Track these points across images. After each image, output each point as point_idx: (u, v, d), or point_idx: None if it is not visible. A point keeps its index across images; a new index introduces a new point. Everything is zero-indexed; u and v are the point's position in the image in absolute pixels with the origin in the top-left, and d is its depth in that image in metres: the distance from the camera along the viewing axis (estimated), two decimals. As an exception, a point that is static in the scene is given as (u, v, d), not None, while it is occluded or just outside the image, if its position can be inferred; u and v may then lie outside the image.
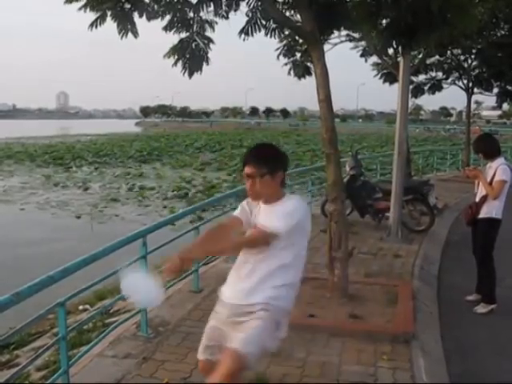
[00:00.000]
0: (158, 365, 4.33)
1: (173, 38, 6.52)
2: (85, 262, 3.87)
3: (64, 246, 13.06)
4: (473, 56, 16.45)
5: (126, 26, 6.18)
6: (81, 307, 8.22)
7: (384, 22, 7.88)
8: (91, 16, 6.07)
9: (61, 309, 3.63)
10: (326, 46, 8.97)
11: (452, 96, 30.13)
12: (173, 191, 23.17)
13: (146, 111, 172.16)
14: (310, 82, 8.35)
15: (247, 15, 6.73)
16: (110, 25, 6.12)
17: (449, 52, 15.62)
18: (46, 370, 5.51)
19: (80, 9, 5.93)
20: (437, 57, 15.66)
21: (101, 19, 6.12)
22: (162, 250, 5.30)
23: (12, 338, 5.81)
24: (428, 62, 15.37)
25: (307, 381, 4.10)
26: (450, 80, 17.81)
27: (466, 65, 16.97)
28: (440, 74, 17.44)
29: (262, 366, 4.30)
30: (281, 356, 4.50)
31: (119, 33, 6.21)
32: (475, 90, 17.98)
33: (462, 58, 16.70)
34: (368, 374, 4.27)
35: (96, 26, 6.19)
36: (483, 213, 6.10)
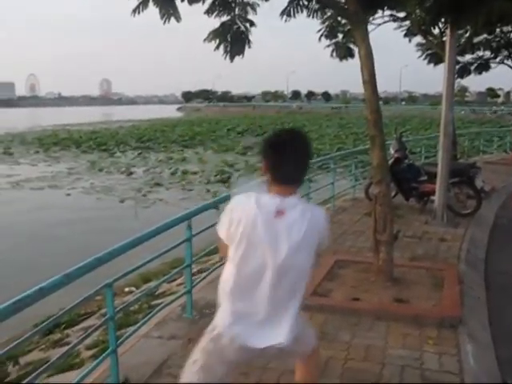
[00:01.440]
0: (204, 346, 4.37)
1: (214, 21, 6.52)
2: (130, 244, 3.92)
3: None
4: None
5: (168, 10, 6.20)
6: (126, 289, 8.40)
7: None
8: (133, 2, 6.12)
9: (108, 290, 3.69)
10: (370, 27, 8.81)
11: (499, 76, 29.24)
12: (215, 175, 23.32)
13: (187, 96, 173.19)
14: (353, 64, 8.25)
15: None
16: (152, 10, 6.15)
17: (498, 29, 15.11)
18: (95, 348, 5.66)
19: (122, -6, 5.97)
20: (484, 35, 15.18)
21: (143, 5, 6.15)
22: (206, 233, 5.34)
23: (62, 318, 5.97)
24: (475, 40, 14.93)
25: (352, 364, 4.08)
26: (498, 59, 17.28)
27: (516, 42, 16.42)
28: (488, 53, 16.92)
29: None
30: (326, 339, 4.50)
31: (161, 18, 6.23)
32: (525, 69, 17.41)
33: (512, 35, 16.15)
34: (413, 358, 4.22)
35: (138, 12, 6.23)
36: (532, 196, 5.94)
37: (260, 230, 2.39)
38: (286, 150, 2.43)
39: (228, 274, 2.53)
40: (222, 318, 2.54)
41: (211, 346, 2.56)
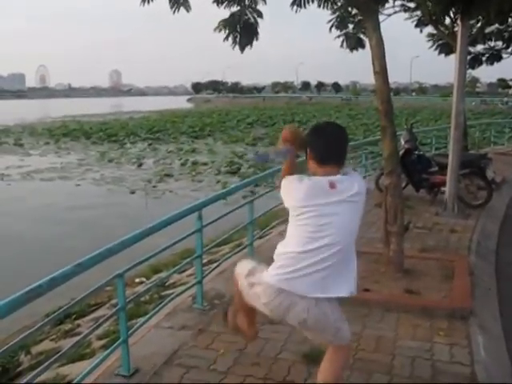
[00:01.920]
0: (214, 336, 4.39)
1: (224, 12, 6.48)
2: (141, 235, 3.92)
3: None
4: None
5: (178, 0, 6.18)
6: (137, 280, 8.44)
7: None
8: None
9: (119, 280, 3.71)
10: (380, 17, 8.73)
11: (511, 67, 29.01)
12: (225, 166, 23.34)
13: (197, 87, 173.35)
14: (363, 55, 8.19)
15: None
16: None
17: (510, 19, 14.93)
18: (105, 339, 5.70)
19: (133, -16, 5.96)
20: (496, 25, 15.00)
21: (153, -6, 6.13)
22: (216, 224, 5.35)
23: (73, 309, 6.01)
24: (486, 30, 14.76)
25: (363, 354, 4.08)
26: (510, 49, 17.08)
27: (528, 32, 16.21)
28: (499, 44, 16.73)
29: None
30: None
31: (171, 7, 6.21)
32: (538, 59, 17.20)
33: (525, 25, 15.94)
34: (424, 349, 4.21)
35: (148, 2, 6.21)
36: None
37: (319, 199, 2.77)
38: (327, 135, 2.92)
39: (290, 239, 2.85)
40: (275, 269, 2.83)
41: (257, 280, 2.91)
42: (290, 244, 2.83)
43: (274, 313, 2.88)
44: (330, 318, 2.85)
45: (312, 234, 2.77)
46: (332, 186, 2.78)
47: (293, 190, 2.87)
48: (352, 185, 2.83)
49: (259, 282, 2.87)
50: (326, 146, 2.89)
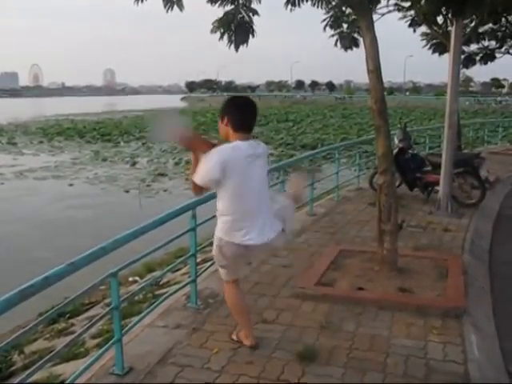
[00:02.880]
0: (208, 335, 4.39)
1: (218, 10, 6.46)
2: (135, 233, 3.91)
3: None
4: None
5: (172, -2, 6.15)
6: (131, 279, 8.42)
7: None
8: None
9: (113, 279, 3.69)
10: (374, 17, 8.72)
11: (504, 66, 29.12)
12: (219, 165, 23.28)
13: (191, 86, 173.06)
14: (357, 54, 8.19)
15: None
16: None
17: (503, 19, 14.97)
18: (99, 338, 5.68)
19: (126, -17, 5.93)
20: (490, 25, 15.03)
21: (146, -7, 6.09)
22: (210, 223, 5.32)
23: (67, 308, 5.99)
24: (480, 30, 14.79)
25: (357, 353, 4.08)
26: (503, 49, 17.13)
27: (522, 32, 16.25)
28: (493, 43, 16.76)
29: (311, 338, 4.32)
30: (330, 329, 4.51)
31: (165, 6, 6.18)
32: (531, 59, 17.25)
33: (518, 24, 15.97)
34: (418, 347, 4.21)
35: (142, 1, 6.18)
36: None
37: (244, 164, 3.54)
38: (247, 108, 3.61)
39: (227, 202, 3.72)
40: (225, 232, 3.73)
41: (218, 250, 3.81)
42: (232, 206, 3.77)
43: (235, 255, 3.78)
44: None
45: (242, 193, 3.68)
46: (252, 156, 3.54)
47: (220, 158, 3.57)
48: (264, 148, 3.69)
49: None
50: (245, 116, 3.56)
